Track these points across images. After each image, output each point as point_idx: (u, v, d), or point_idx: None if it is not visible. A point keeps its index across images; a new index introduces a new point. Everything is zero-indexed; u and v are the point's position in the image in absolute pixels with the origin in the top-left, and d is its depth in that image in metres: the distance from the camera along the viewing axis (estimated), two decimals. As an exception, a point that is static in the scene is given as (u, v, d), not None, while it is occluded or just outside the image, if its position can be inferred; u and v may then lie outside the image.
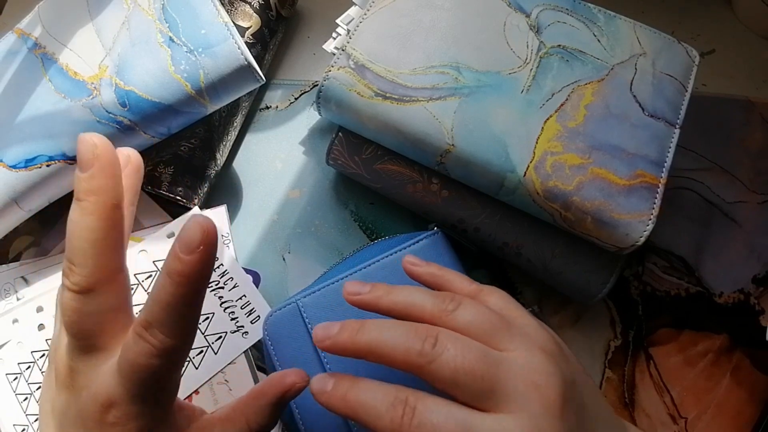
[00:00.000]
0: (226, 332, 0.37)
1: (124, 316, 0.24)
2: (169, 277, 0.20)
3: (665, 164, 0.34)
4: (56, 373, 0.24)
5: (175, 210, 0.41)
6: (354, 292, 0.26)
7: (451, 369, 0.22)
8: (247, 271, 0.40)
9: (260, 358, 0.37)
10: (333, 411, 0.23)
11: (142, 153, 0.38)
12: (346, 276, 0.34)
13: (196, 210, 0.40)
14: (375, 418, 0.22)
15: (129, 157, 0.26)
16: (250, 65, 0.36)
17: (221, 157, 0.42)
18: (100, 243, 0.22)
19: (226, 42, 0.36)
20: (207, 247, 0.20)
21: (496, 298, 0.27)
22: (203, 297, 0.22)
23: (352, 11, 0.39)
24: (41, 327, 0.37)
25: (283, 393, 0.26)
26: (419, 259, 0.29)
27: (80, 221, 0.22)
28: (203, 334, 0.37)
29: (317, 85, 0.38)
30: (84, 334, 0.23)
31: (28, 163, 0.35)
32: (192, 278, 0.20)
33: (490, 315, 0.25)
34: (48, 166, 0.35)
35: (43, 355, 0.37)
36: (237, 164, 0.45)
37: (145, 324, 0.21)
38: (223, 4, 0.41)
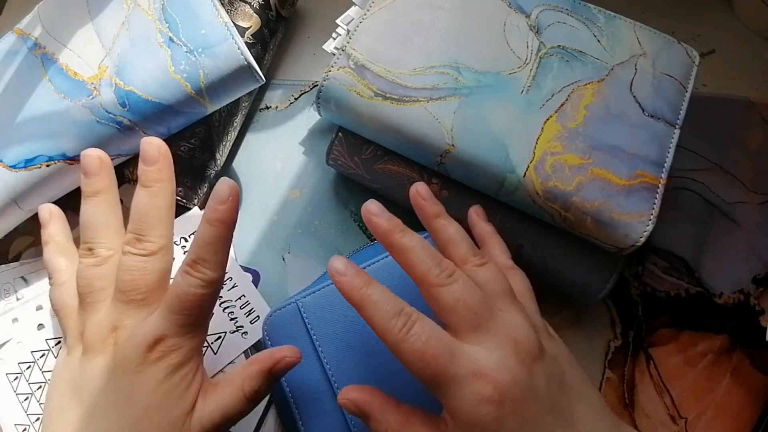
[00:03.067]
0: (226, 332, 0.37)
1: (168, 277, 0.30)
2: (209, 223, 0.27)
3: (665, 164, 0.34)
4: (88, 343, 0.28)
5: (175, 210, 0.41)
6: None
7: (453, 298, 0.26)
8: (247, 269, 0.40)
9: (260, 358, 0.37)
10: (345, 295, 0.26)
11: (142, 153, 0.39)
12: (346, 276, 0.34)
13: (196, 210, 0.40)
14: (381, 318, 0.25)
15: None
16: (250, 65, 0.36)
17: (221, 157, 0.42)
18: (166, 218, 0.30)
19: (226, 42, 0.36)
20: (234, 198, 0.28)
21: (519, 281, 0.32)
22: (231, 238, 0.28)
23: (352, 11, 0.39)
24: (41, 326, 0.37)
25: (274, 363, 0.29)
26: (482, 211, 0.35)
27: (150, 202, 0.30)
28: (203, 334, 0.37)
29: (317, 85, 0.38)
30: (141, 289, 0.28)
31: (28, 163, 0.35)
32: (226, 222, 0.28)
33: (504, 283, 0.28)
34: (48, 166, 0.35)
35: (43, 354, 0.37)
36: (237, 164, 0.45)
37: (191, 263, 0.27)
38: (223, 4, 0.41)
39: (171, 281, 0.29)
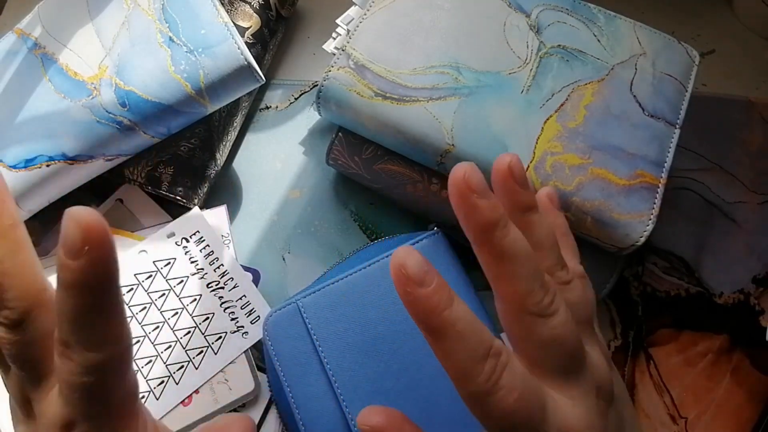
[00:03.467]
0: (226, 332, 0.37)
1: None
2: (63, 290, 0.18)
3: (665, 164, 0.34)
4: (12, 411, 0.23)
5: (175, 210, 0.41)
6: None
7: (552, 335, 0.20)
8: (247, 269, 0.40)
9: (260, 358, 0.37)
10: (418, 314, 0.19)
11: (142, 153, 0.39)
12: (346, 276, 0.34)
13: (196, 210, 0.40)
14: (464, 358, 0.19)
15: None
16: (250, 65, 0.36)
17: (221, 157, 0.42)
18: (12, 271, 0.20)
19: (226, 42, 0.36)
20: (94, 245, 0.16)
21: (591, 295, 0.25)
22: (116, 299, 0.19)
23: (352, 11, 0.39)
24: (41, 327, 0.37)
25: None
26: (557, 197, 0.27)
27: None
28: (203, 334, 0.37)
29: (317, 85, 0.38)
30: (30, 365, 0.21)
31: (28, 163, 0.35)
32: (88, 285, 0.17)
33: (589, 308, 0.24)
34: (48, 166, 0.35)
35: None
36: (237, 164, 0.45)
37: (62, 343, 0.19)
38: (223, 4, 0.41)
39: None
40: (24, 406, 0.22)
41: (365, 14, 0.37)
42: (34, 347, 0.20)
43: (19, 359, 0.21)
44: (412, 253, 0.18)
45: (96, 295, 0.18)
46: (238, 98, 0.40)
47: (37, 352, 0.21)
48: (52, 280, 0.31)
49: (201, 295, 0.38)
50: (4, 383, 0.23)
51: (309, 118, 0.46)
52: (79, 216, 0.16)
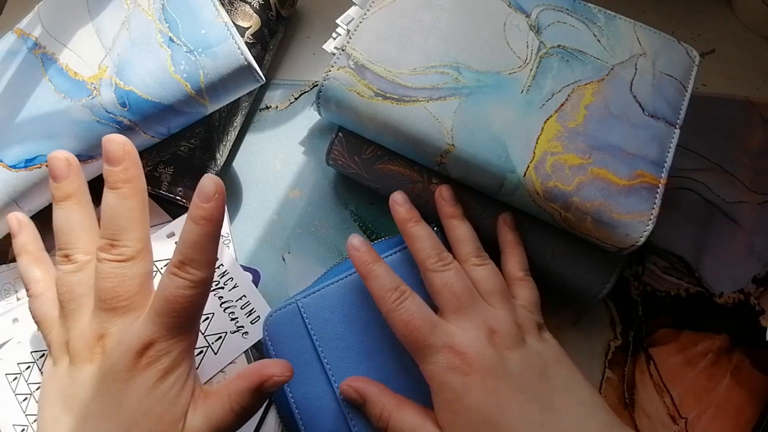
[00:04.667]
0: (226, 332, 0.37)
1: (150, 280, 0.29)
2: (194, 222, 0.27)
3: (665, 164, 0.34)
4: (74, 353, 0.27)
5: (175, 210, 0.41)
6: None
7: (442, 283, 0.31)
8: (247, 268, 0.40)
9: (260, 358, 0.37)
10: (356, 268, 0.32)
11: (142, 153, 0.39)
12: (346, 276, 0.34)
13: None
14: (379, 289, 0.31)
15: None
16: (250, 65, 0.36)
17: (221, 157, 0.42)
18: (139, 220, 0.29)
19: (226, 42, 0.36)
20: (220, 194, 0.27)
21: (526, 291, 0.34)
22: (219, 236, 0.28)
23: (352, 11, 0.39)
24: (41, 327, 0.37)
25: (261, 382, 0.28)
26: (511, 220, 0.36)
27: (121, 204, 0.28)
28: (203, 334, 0.37)
29: (317, 85, 0.38)
30: (123, 296, 0.27)
31: (28, 163, 0.35)
32: (213, 219, 0.27)
33: (498, 283, 0.32)
34: (48, 166, 0.35)
35: (43, 355, 0.36)
36: (237, 164, 0.45)
37: (178, 264, 0.27)
38: (223, 4, 0.41)
39: (158, 283, 0.28)
40: (96, 343, 0.27)
41: (365, 14, 0.37)
42: (134, 282, 0.27)
43: (118, 290, 0.27)
44: (357, 236, 0.33)
45: (214, 228, 0.27)
46: (238, 98, 0.40)
47: (133, 287, 0.27)
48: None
49: (201, 295, 0.38)
50: (46, 335, 0.30)
51: (309, 118, 0.46)
52: (213, 177, 0.27)
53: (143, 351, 0.26)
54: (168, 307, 0.26)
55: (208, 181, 0.27)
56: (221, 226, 0.27)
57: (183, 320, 0.27)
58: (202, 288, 0.27)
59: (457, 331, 0.30)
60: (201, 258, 0.27)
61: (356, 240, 0.32)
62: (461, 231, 0.34)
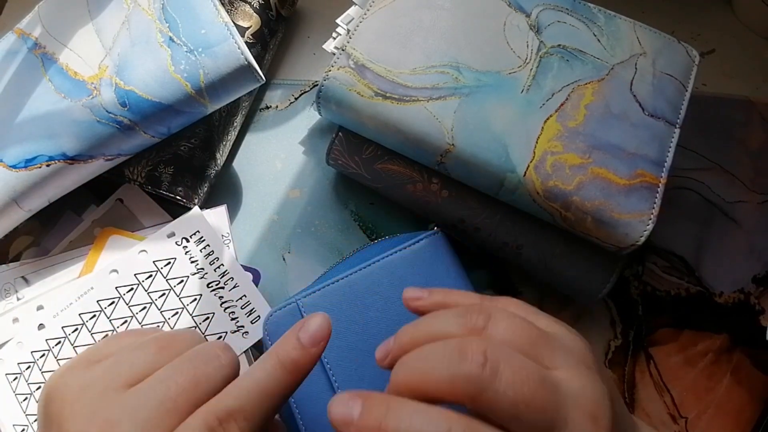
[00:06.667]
0: (226, 332, 0.37)
1: None
2: (282, 365, 0.20)
3: (665, 164, 0.34)
4: None
5: (175, 210, 0.41)
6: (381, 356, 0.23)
7: (510, 400, 0.18)
8: (247, 268, 0.40)
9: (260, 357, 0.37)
10: None
11: (142, 153, 0.39)
12: (346, 276, 0.34)
13: (196, 210, 0.40)
14: None
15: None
16: (250, 65, 0.36)
17: (221, 157, 0.42)
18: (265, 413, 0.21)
19: (226, 42, 0.36)
20: (326, 341, 0.21)
21: (515, 307, 0.24)
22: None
23: (352, 11, 0.39)
24: (41, 327, 0.37)
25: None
26: (419, 289, 0.25)
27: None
28: (203, 334, 0.37)
29: (317, 85, 0.38)
30: None
31: (28, 163, 0.35)
32: (305, 370, 0.21)
33: (527, 325, 0.21)
34: (48, 166, 0.35)
35: (43, 355, 0.36)
36: (237, 164, 0.45)
37: (224, 417, 0.19)
38: (223, 4, 0.41)
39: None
40: None
41: (365, 14, 0.37)
42: None
43: None
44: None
45: (300, 380, 0.21)
46: (238, 98, 0.40)
47: None
48: (51, 280, 0.32)
49: (201, 295, 0.38)
50: None
51: (309, 118, 0.46)
52: (327, 317, 0.21)
53: None
54: None
55: (322, 321, 0.21)
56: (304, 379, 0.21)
57: None
58: None
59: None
60: (261, 413, 0.20)
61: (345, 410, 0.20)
62: (424, 330, 0.22)
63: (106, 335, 0.37)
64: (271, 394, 0.20)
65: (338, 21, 0.39)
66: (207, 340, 0.24)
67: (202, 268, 0.38)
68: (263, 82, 0.38)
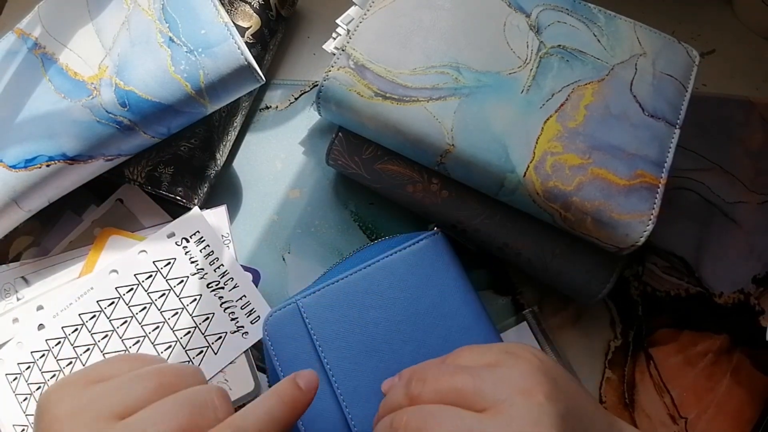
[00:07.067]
0: (226, 332, 0.37)
1: None
2: (283, 402, 0.23)
3: (665, 164, 0.34)
4: None
5: (175, 210, 0.41)
6: None
7: None
8: (247, 269, 0.40)
9: (260, 358, 0.37)
10: None
11: (142, 153, 0.39)
12: (346, 276, 0.34)
13: (196, 210, 0.40)
14: None
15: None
16: (250, 65, 0.36)
17: (221, 157, 0.42)
18: None
19: (226, 42, 0.36)
20: (315, 390, 0.25)
21: (468, 353, 0.27)
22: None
23: (352, 11, 0.39)
24: (41, 327, 0.37)
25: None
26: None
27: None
28: (203, 334, 0.37)
29: (317, 85, 0.38)
30: None
31: (28, 163, 0.35)
32: (304, 407, 0.24)
33: (457, 378, 0.24)
34: (48, 166, 0.35)
35: (43, 355, 0.36)
36: (237, 164, 0.45)
37: None
38: (223, 4, 0.41)
39: None
40: None
41: (365, 14, 0.37)
42: None
43: None
44: None
45: (299, 415, 0.24)
46: (238, 98, 0.40)
47: None
48: (51, 280, 0.33)
49: (201, 295, 0.38)
50: None
51: (309, 118, 0.46)
52: (313, 375, 0.25)
53: None
54: None
55: (310, 374, 0.25)
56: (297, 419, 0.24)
57: None
58: None
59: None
60: None
61: None
62: (386, 408, 0.27)
63: (107, 335, 0.37)
64: (278, 424, 0.23)
65: (338, 21, 0.39)
66: (208, 382, 0.26)
67: (202, 269, 0.38)
68: (263, 83, 0.38)
